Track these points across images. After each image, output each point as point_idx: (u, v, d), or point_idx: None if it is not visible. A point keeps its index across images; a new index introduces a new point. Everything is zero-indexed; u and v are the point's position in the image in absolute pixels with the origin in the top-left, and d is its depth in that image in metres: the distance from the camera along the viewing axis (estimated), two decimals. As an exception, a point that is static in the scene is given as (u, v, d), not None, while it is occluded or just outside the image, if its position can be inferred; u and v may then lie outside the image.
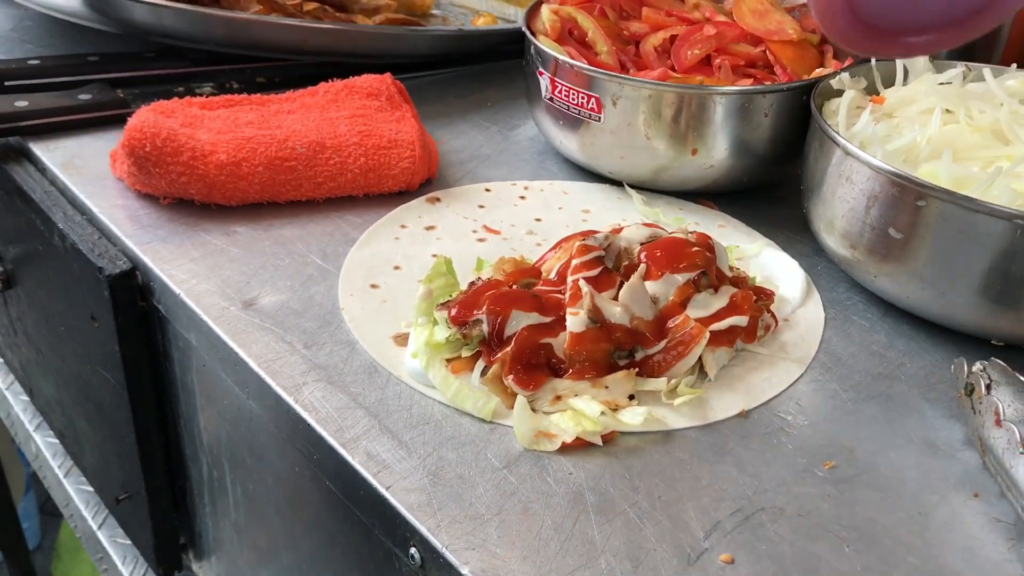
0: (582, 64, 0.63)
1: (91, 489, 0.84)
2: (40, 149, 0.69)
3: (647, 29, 0.74)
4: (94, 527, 0.83)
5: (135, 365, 0.61)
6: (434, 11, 0.99)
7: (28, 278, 0.74)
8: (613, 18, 0.75)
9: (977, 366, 0.46)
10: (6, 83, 0.75)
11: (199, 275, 0.55)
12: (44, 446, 0.90)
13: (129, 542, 0.78)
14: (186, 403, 0.60)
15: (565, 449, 0.44)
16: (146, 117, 0.61)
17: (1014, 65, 0.65)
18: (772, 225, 0.65)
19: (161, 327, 0.59)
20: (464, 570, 0.38)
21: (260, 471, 0.55)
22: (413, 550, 0.41)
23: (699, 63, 0.71)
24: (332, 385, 0.48)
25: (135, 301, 0.59)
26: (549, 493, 0.42)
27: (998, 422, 0.42)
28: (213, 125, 0.64)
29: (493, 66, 0.87)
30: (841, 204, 0.54)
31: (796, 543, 0.40)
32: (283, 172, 0.62)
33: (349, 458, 0.43)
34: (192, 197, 0.61)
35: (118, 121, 0.72)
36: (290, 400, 0.47)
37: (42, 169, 0.68)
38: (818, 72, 0.66)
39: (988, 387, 0.45)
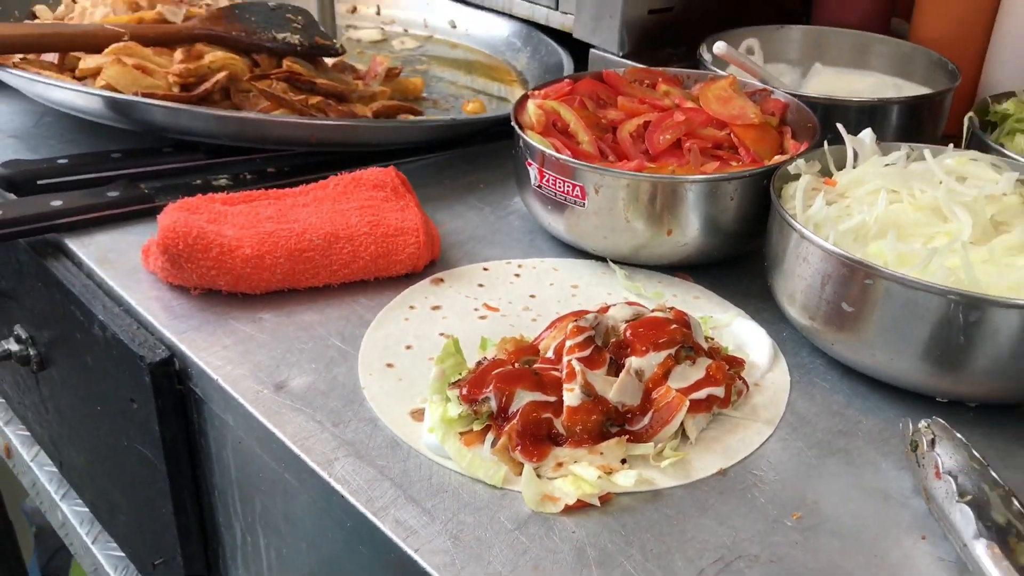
0: (567, 157, 0.71)
1: (121, 554, 0.90)
2: (75, 244, 0.75)
3: (623, 116, 0.82)
4: (123, 589, 0.88)
5: (173, 443, 0.67)
6: (424, 95, 1.07)
7: (63, 361, 0.81)
8: (592, 107, 0.82)
9: (921, 424, 0.53)
10: (39, 182, 0.82)
11: (233, 361, 0.62)
12: (71, 514, 0.96)
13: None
14: (221, 476, 0.67)
15: (568, 511, 0.51)
16: (176, 217, 0.68)
17: (951, 145, 0.73)
18: (742, 295, 0.72)
19: (197, 408, 0.66)
20: (487, 620, 0.45)
21: (294, 537, 0.61)
22: (442, 604, 0.47)
23: (670, 146, 0.79)
24: (360, 459, 0.54)
25: (173, 386, 0.65)
26: (555, 550, 0.49)
27: (938, 474, 0.49)
28: (236, 220, 0.71)
29: (482, 148, 0.94)
30: (800, 281, 0.61)
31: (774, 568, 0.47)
32: (302, 262, 0.69)
33: (380, 525, 0.50)
34: (221, 288, 0.68)
35: (144, 215, 0.79)
36: (324, 475, 0.53)
37: (78, 263, 0.74)
38: (777, 158, 0.74)
39: (931, 443, 0.52)
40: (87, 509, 0.94)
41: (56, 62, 0.90)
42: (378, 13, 1.32)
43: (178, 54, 0.89)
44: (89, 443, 0.83)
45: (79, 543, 0.95)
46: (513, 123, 0.77)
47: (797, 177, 0.69)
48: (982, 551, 0.46)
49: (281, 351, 0.63)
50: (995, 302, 0.54)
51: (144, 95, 0.83)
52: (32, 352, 0.84)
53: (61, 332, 0.78)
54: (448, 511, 0.51)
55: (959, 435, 0.52)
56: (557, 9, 1.12)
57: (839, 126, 0.72)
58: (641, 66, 0.92)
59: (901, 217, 0.64)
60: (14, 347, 0.85)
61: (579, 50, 1.05)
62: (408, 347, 0.65)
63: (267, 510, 0.63)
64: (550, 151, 0.72)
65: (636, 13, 0.99)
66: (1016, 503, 0.48)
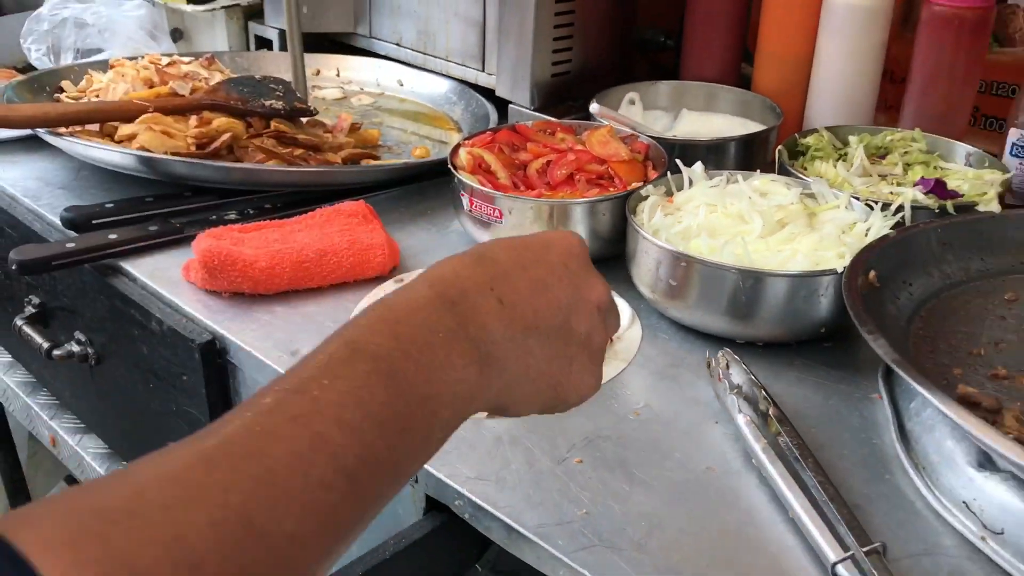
0: (489, 189, 1.00)
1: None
2: (129, 266, 1.02)
3: (531, 157, 1.11)
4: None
5: (216, 402, 0.94)
6: (381, 143, 1.36)
7: (118, 355, 1.07)
8: (507, 152, 1.12)
9: (719, 353, 0.82)
10: (93, 221, 1.09)
11: (259, 339, 0.90)
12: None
13: None
14: (251, 422, 0.94)
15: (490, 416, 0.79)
16: (210, 242, 0.96)
17: (758, 171, 1.03)
18: (612, 280, 1.00)
19: (232, 374, 0.93)
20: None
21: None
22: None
23: (566, 179, 1.08)
24: (354, 393, 0.82)
25: (215, 360, 0.92)
26: (482, 436, 0.77)
27: (720, 379, 0.79)
28: (252, 243, 0.98)
29: (429, 183, 1.23)
30: (644, 268, 0.91)
31: (617, 452, 0.76)
32: (302, 270, 0.97)
33: (370, 430, 0.78)
34: (245, 290, 0.95)
35: (178, 243, 1.06)
36: (331, 403, 0.81)
37: (134, 279, 1.01)
38: (635, 185, 1.03)
39: (725, 366, 0.81)
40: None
41: (97, 130, 1.17)
42: (338, 75, 1.60)
43: (192, 121, 1.17)
44: (139, 416, 1.09)
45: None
46: (450, 165, 1.06)
47: (647, 198, 0.99)
48: (741, 421, 0.75)
49: (292, 331, 0.91)
50: (762, 272, 0.84)
51: (172, 154, 1.11)
52: (90, 351, 1.11)
53: (118, 332, 1.04)
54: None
55: (740, 360, 0.81)
56: (484, 71, 1.42)
57: (677, 161, 1.02)
58: (544, 118, 1.22)
59: (715, 222, 0.94)
60: (76, 348, 1.11)
61: (501, 103, 1.35)
62: (380, 325, 0.93)
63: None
64: (477, 185, 1.01)
65: (542, 76, 1.29)
66: (773, 402, 0.77)
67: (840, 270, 0.83)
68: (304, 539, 0.37)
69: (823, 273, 0.84)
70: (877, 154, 1.14)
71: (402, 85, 1.55)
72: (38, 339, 1.12)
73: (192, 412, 0.97)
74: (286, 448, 0.39)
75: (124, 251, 1.04)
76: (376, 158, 1.29)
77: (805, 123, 1.27)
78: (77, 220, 1.09)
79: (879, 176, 1.09)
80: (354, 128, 1.33)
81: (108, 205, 1.11)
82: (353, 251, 0.99)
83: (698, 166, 1.02)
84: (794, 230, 0.91)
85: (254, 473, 0.37)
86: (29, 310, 1.18)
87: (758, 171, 1.03)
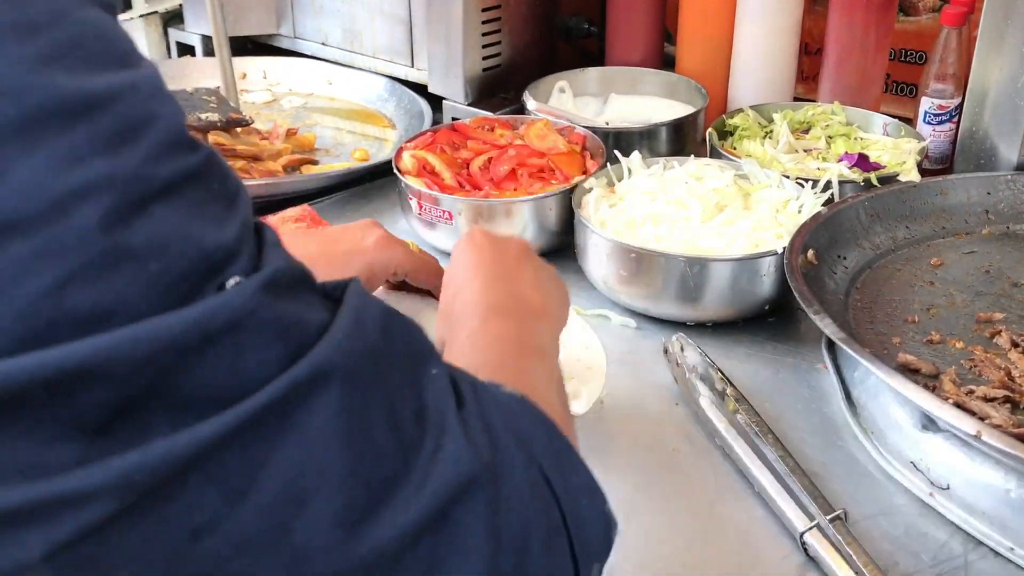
0: (438, 193, 1.03)
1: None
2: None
3: (472, 155, 1.14)
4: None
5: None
6: (317, 146, 1.37)
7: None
8: (449, 151, 1.14)
9: (673, 338, 0.86)
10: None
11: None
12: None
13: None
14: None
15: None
16: None
17: (692, 155, 1.07)
18: (565, 273, 1.05)
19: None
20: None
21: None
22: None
23: (509, 175, 1.11)
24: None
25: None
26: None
27: (678, 365, 0.83)
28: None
29: (371, 185, 1.25)
30: (596, 260, 0.95)
31: (588, 441, 0.80)
32: None
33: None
34: None
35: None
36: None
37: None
38: (577, 178, 1.06)
39: (679, 349, 0.86)
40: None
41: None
42: (265, 77, 1.60)
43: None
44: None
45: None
46: (395, 170, 1.08)
47: (591, 191, 1.03)
48: (704, 403, 0.80)
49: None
50: (709, 259, 0.89)
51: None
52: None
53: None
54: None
55: (694, 343, 0.86)
56: (413, 67, 1.44)
57: (616, 152, 1.06)
58: (480, 113, 1.25)
59: (657, 210, 0.98)
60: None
61: (434, 98, 1.37)
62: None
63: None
64: (424, 189, 1.04)
65: (474, 70, 1.31)
66: (728, 381, 0.82)
67: (780, 251, 0.88)
68: None
69: (765, 255, 0.89)
70: (800, 129, 1.20)
71: (331, 84, 1.56)
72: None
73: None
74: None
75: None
76: (315, 162, 1.31)
77: (729, 102, 1.32)
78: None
79: (804, 151, 1.15)
80: (290, 133, 1.34)
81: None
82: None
83: (635, 156, 1.06)
84: (732, 213, 0.96)
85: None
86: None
87: (692, 156, 1.08)
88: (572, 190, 1.03)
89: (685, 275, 0.89)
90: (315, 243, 0.78)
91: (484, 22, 1.30)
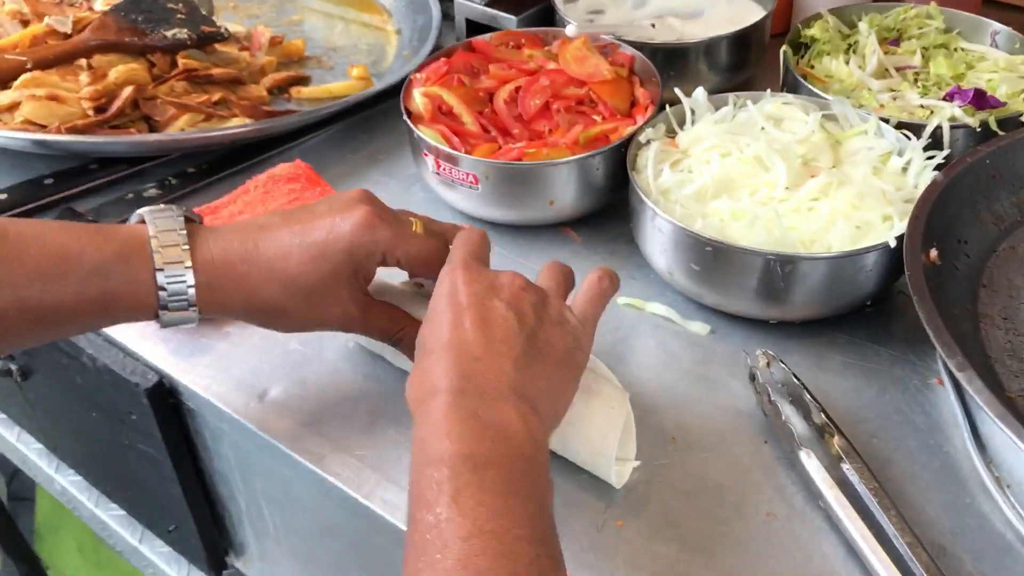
0: (460, 153, 0.84)
1: (123, 513, 1.05)
2: (41, 280, 0.86)
3: (496, 83, 0.94)
4: (134, 543, 1.04)
5: (175, 443, 0.81)
6: (307, 54, 1.16)
7: (48, 377, 0.93)
8: (468, 82, 0.94)
9: (758, 353, 0.71)
10: (-16, 221, 0.91)
11: (216, 379, 0.76)
12: (69, 484, 1.10)
13: (171, 550, 1.00)
14: (221, 463, 0.82)
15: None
16: None
17: (768, 90, 0.88)
18: (612, 240, 0.88)
19: (191, 415, 0.80)
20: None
21: (295, 507, 0.77)
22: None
23: (541, 110, 0.92)
24: (344, 452, 0.70)
25: (167, 401, 0.79)
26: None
27: (769, 401, 0.68)
28: (189, 247, 0.82)
29: (372, 113, 1.05)
30: (658, 245, 0.77)
31: (662, 503, 0.65)
32: None
33: (370, 505, 0.66)
34: None
35: (92, 240, 0.89)
36: (318, 470, 0.69)
37: (50, 299, 0.85)
38: (629, 129, 0.87)
39: (765, 366, 0.70)
40: (83, 479, 1.08)
41: (-36, 98, 0.96)
42: (238, -43, 1.36)
43: (84, 77, 0.96)
44: (86, 438, 0.96)
45: (83, 508, 1.09)
46: (404, 115, 0.89)
47: (647, 144, 0.84)
48: (803, 456, 0.65)
49: (254, 363, 0.77)
50: (802, 257, 0.71)
51: (66, 128, 0.91)
52: (12, 366, 0.96)
53: (43, 358, 0.89)
54: (419, 484, 0.67)
55: (783, 363, 0.70)
56: (414, -51, 1.21)
57: (677, 91, 0.87)
58: (502, 23, 1.03)
59: (731, 171, 0.80)
60: (-7, 363, 0.96)
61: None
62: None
63: (268, 488, 0.79)
64: (443, 146, 0.85)
65: (491, -38, 1.09)
66: (822, 413, 0.67)
67: (892, 243, 0.71)
68: None
69: (871, 249, 0.72)
70: (889, 38, 0.99)
71: (317, -35, 1.33)
72: (-56, 354, 0.96)
73: (150, 452, 0.84)
74: None
75: (31, 261, 0.87)
76: (306, 79, 1.11)
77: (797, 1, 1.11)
78: (-35, 222, 0.90)
79: (896, 71, 0.95)
80: (274, 42, 1.13)
81: (1, 196, 0.93)
82: (309, 230, 0.84)
83: (700, 94, 0.87)
84: (825, 181, 0.78)
85: None
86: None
87: (768, 91, 0.88)
88: (625, 144, 0.84)
89: (773, 273, 0.72)
90: (288, 232, 0.64)
91: (503, -97, 1.06)
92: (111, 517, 1.06)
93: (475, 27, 1.13)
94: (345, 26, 1.24)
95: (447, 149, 0.85)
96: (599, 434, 0.64)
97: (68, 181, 0.95)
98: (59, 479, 1.11)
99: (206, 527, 0.88)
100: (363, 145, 1.02)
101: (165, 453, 0.82)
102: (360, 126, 1.04)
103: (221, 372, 0.76)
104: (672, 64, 0.98)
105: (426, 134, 0.87)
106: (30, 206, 0.92)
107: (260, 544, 0.87)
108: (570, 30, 0.94)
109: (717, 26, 1.08)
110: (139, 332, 0.80)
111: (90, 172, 0.96)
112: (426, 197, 0.94)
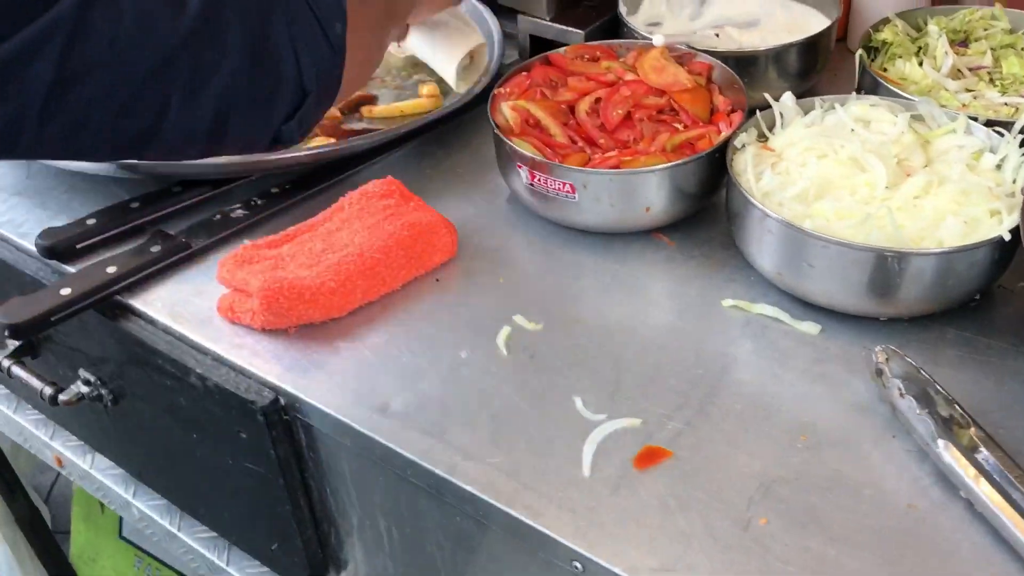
0: (556, 164, 0.85)
1: (210, 535, 1.04)
2: (140, 304, 0.86)
3: (575, 95, 0.95)
4: (221, 564, 1.03)
5: (286, 460, 0.81)
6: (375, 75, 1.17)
7: (144, 400, 0.93)
8: (550, 95, 0.95)
9: (881, 356, 0.71)
10: (78, 246, 0.91)
11: (334, 393, 0.76)
12: (149, 509, 1.09)
13: (266, 569, 0.99)
14: (334, 478, 0.82)
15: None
16: (263, 277, 0.79)
17: (854, 94, 0.89)
18: (706, 243, 0.88)
19: (306, 431, 0.80)
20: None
21: (417, 521, 0.77)
22: (576, 563, 0.65)
23: (624, 120, 0.93)
24: (474, 460, 0.70)
25: (282, 418, 0.79)
26: (645, 504, 0.66)
27: (901, 395, 0.69)
28: (297, 261, 0.83)
29: (446, 128, 1.06)
30: (767, 246, 0.78)
31: (802, 500, 0.66)
32: (373, 276, 0.82)
33: (511, 511, 0.67)
34: (314, 321, 0.81)
35: (185, 261, 0.89)
36: (453, 479, 0.69)
37: (151, 321, 0.85)
38: (723, 134, 0.88)
39: (886, 363, 0.71)
40: (164, 502, 1.08)
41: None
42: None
43: (167, 101, 0.96)
44: (179, 461, 0.96)
45: (161, 531, 1.09)
46: (494, 128, 0.90)
47: (742, 148, 0.85)
48: (941, 448, 0.66)
49: (370, 375, 0.77)
50: (920, 253, 0.73)
51: (155, 151, 0.92)
52: (103, 391, 0.96)
53: (142, 379, 0.89)
54: (555, 488, 0.68)
55: (908, 358, 0.71)
56: (469, -34, 1.22)
57: (768, 96, 0.88)
58: (571, 38, 1.06)
59: (830, 173, 0.81)
60: (84, 388, 0.96)
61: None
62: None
63: (387, 502, 0.79)
64: (539, 157, 0.86)
65: (557, -22, 1.10)
66: (957, 405, 0.68)
67: (1007, 236, 0.72)
68: None
69: (984, 244, 0.73)
70: (956, 40, 1.01)
71: (366, -14, 1.33)
72: (36, 383, 0.96)
73: (258, 471, 0.84)
74: None
75: (127, 285, 0.87)
76: (373, 99, 1.11)
77: (854, 4, 1.12)
78: (58, 248, 0.91)
79: (970, 71, 0.97)
80: (340, 63, 1.14)
81: (89, 221, 0.93)
82: (415, 236, 0.85)
83: (788, 98, 0.88)
84: (926, 178, 0.79)
85: None
86: (11, 343, 1.00)
87: (853, 94, 0.89)
88: (719, 150, 0.85)
89: (889, 270, 0.73)
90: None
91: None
92: (196, 540, 1.06)
93: (538, 42, 1.14)
94: (397, 46, 1.24)
95: (544, 160, 0.86)
96: (453, 45, 1.01)
97: (154, 204, 0.95)
98: (137, 504, 1.10)
99: (311, 544, 0.88)
100: (441, 160, 1.02)
101: (277, 471, 0.82)
102: (435, 141, 1.05)
103: (338, 387, 0.77)
104: (743, 72, 0.99)
105: (520, 146, 0.87)
106: (120, 229, 0.93)
107: (370, 560, 0.87)
108: (657, 40, 0.96)
109: (774, 34, 1.10)
110: (251, 350, 0.80)
111: (174, 195, 0.96)
112: (512, 208, 0.95)
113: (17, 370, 0.97)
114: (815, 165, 0.82)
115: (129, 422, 0.99)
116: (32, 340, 0.97)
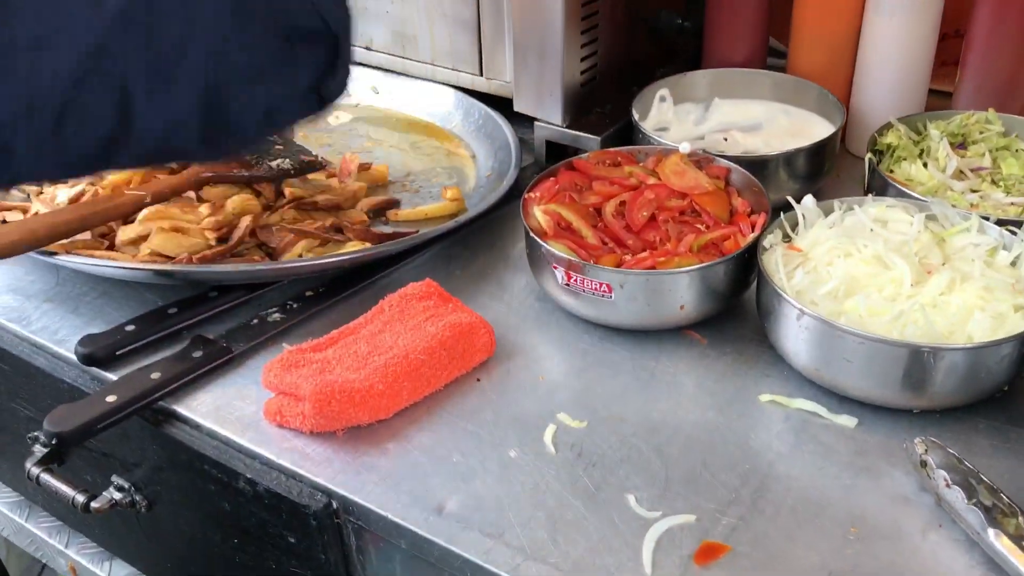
0: (593, 265, 0.88)
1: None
2: (184, 409, 0.87)
3: (600, 199, 0.99)
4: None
5: (335, 564, 0.82)
6: (392, 178, 1.20)
7: (178, 502, 0.92)
8: (577, 198, 0.99)
9: (920, 447, 0.74)
10: (117, 352, 0.92)
11: (388, 495, 0.77)
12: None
13: None
14: (384, 580, 0.82)
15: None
16: (317, 380, 0.81)
17: (870, 196, 0.94)
18: (738, 339, 0.91)
19: (357, 534, 0.80)
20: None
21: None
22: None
23: (649, 222, 0.97)
24: (538, 561, 0.71)
25: (333, 522, 0.79)
26: None
27: (948, 485, 0.71)
28: (344, 364, 0.84)
29: (469, 229, 1.09)
30: (803, 343, 0.81)
31: (859, 590, 0.68)
32: (419, 377, 0.83)
33: (578, 610, 0.68)
34: (362, 423, 0.82)
35: (226, 365, 0.91)
36: (516, 579, 0.70)
37: (196, 426, 0.86)
38: (750, 236, 0.92)
39: (925, 453, 0.74)
40: (189, 610, 1.06)
41: (88, 236, 0.98)
42: (299, 88, 1.41)
43: (203, 209, 0.99)
44: (217, 566, 0.95)
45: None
46: (528, 231, 0.93)
47: (769, 248, 0.89)
48: (992, 537, 0.68)
49: (422, 477, 0.78)
50: (952, 348, 0.76)
51: (196, 258, 0.94)
52: (138, 497, 0.95)
53: (183, 485, 0.89)
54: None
55: (949, 449, 0.74)
56: (482, 75, 1.27)
57: (791, 200, 0.92)
58: (587, 144, 1.10)
59: (856, 271, 0.85)
60: (116, 495, 0.95)
61: (496, 103, 1.21)
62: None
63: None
64: (576, 259, 0.89)
65: (571, 85, 1.15)
66: (1002, 494, 0.70)
67: (1033, 331, 0.76)
68: None
69: (1013, 338, 0.77)
70: (955, 143, 1.07)
71: (377, 93, 1.38)
72: (67, 490, 0.95)
73: (302, 573, 0.84)
74: None
75: (171, 391, 0.88)
76: (396, 203, 1.15)
77: (853, 109, 1.19)
78: (98, 355, 0.91)
79: (973, 173, 1.02)
80: (362, 168, 1.17)
81: (128, 328, 0.94)
82: (456, 336, 0.87)
83: (809, 201, 0.93)
84: (949, 276, 0.83)
85: None
86: (38, 449, 0.99)
87: (869, 196, 0.94)
88: (750, 250, 0.89)
89: (924, 364, 0.77)
90: None
91: (583, 32, 1.13)
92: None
93: (554, 148, 1.18)
94: (415, 152, 1.28)
95: (580, 261, 0.89)
96: None
97: (191, 309, 0.96)
98: (161, 612, 1.09)
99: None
100: (468, 261, 1.05)
101: (323, 574, 0.82)
102: (459, 243, 1.08)
103: (392, 489, 0.78)
104: (754, 174, 1.03)
105: (556, 247, 0.91)
106: (160, 335, 0.94)
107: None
108: (684, 148, 1.00)
109: (777, 138, 1.16)
110: (300, 454, 0.81)
111: (210, 300, 0.98)
112: (543, 306, 0.98)
113: (47, 478, 0.96)
114: (842, 264, 0.86)
115: (161, 528, 0.98)
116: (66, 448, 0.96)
